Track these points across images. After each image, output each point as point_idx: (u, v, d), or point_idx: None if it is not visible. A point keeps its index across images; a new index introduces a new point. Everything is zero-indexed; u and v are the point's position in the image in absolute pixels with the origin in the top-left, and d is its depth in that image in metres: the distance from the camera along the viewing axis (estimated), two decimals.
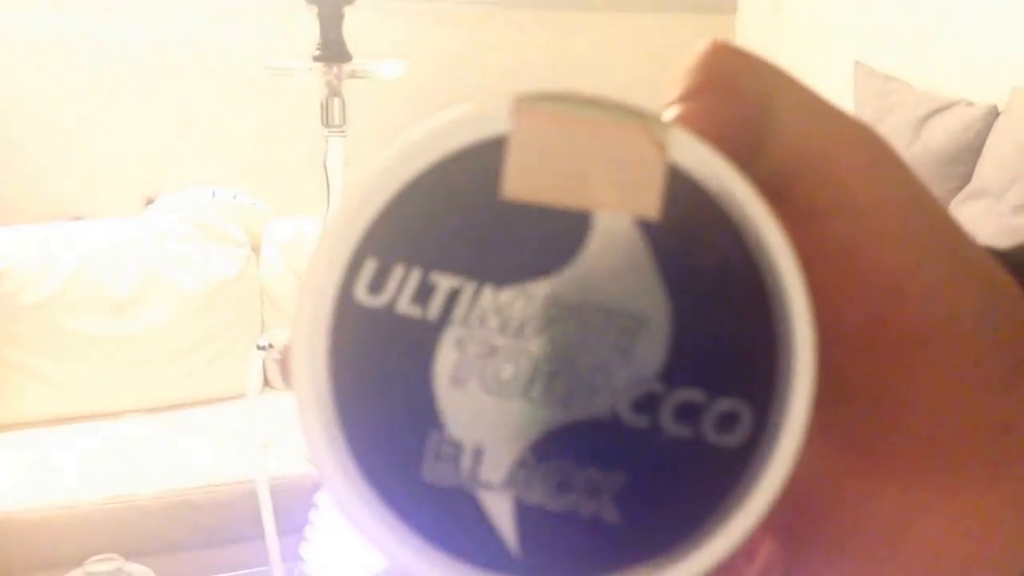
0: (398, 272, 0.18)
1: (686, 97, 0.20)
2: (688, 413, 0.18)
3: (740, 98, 0.20)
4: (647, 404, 0.18)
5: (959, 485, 0.20)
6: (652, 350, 0.18)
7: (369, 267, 0.18)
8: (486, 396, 0.18)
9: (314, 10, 1.43)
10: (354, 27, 1.43)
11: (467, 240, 0.18)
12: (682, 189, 0.18)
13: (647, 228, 0.18)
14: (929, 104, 2.21)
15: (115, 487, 1.90)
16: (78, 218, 2.36)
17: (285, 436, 1.94)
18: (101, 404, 2.16)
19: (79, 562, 1.32)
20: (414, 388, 0.18)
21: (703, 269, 0.18)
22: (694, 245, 0.18)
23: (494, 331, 0.18)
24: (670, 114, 0.19)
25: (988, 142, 2.08)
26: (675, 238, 0.18)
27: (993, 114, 2.12)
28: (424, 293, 0.18)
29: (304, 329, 0.18)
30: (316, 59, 1.42)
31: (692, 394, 0.18)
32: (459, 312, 0.18)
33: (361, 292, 0.18)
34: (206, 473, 1.95)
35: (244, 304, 2.32)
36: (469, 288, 0.18)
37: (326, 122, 1.38)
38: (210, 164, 2.52)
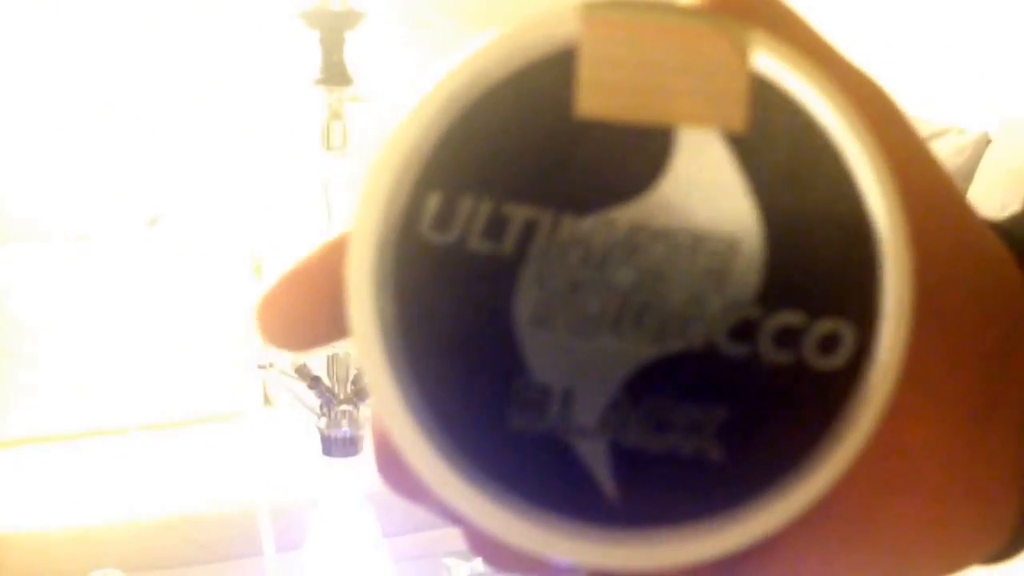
0: (466, 205, 0.17)
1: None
2: (788, 337, 0.17)
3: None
4: (744, 331, 0.17)
5: (935, 464, 0.20)
6: (747, 273, 0.17)
7: (433, 201, 0.17)
8: (572, 335, 0.17)
9: (315, 34, 1.44)
10: (356, 50, 1.44)
11: (540, 166, 0.17)
12: (769, 98, 0.17)
13: (734, 142, 0.16)
14: (921, 130, 2.22)
15: (116, 504, 1.91)
16: (81, 238, 2.36)
17: (283, 455, 1.94)
18: (102, 422, 2.16)
19: None
20: (493, 331, 0.17)
21: (795, 183, 0.17)
22: (784, 158, 0.17)
23: (576, 264, 0.17)
24: None
25: (980, 169, 2.09)
26: (764, 152, 0.17)
27: (984, 141, 2.12)
28: (497, 227, 0.16)
29: (363, 274, 0.17)
30: (317, 83, 1.43)
31: (791, 317, 0.17)
32: (537, 245, 0.17)
33: (426, 229, 0.17)
34: (206, 490, 1.95)
35: (245, 322, 2.32)
36: (546, 218, 0.17)
37: (327, 145, 1.40)
38: (211, 185, 2.53)
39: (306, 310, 0.19)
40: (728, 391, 0.17)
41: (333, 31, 1.47)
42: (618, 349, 0.17)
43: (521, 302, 0.17)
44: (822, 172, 0.17)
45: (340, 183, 1.42)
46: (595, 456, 0.17)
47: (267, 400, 2.28)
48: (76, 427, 2.14)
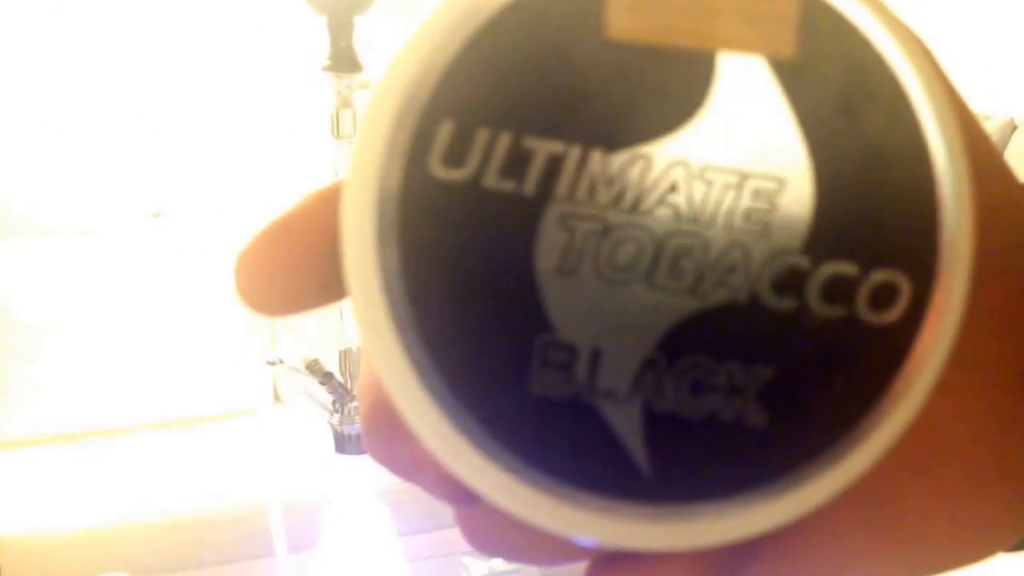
0: (482, 137, 0.15)
1: None
2: (839, 289, 0.15)
3: None
4: (791, 282, 0.15)
5: (967, 440, 0.18)
6: (794, 217, 0.15)
7: (444, 132, 0.15)
8: (601, 286, 0.15)
9: (323, 20, 1.42)
10: (366, 37, 1.42)
11: (566, 94, 0.15)
12: (820, 20, 0.15)
13: (781, 69, 0.15)
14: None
15: (124, 505, 1.89)
16: (84, 232, 2.35)
17: (295, 453, 1.93)
18: (108, 420, 2.15)
19: None
20: (512, 281, 0.15)
21: (849, 115, 0.15)
22: (837, 88, 0.15)
23: (606, 205, 0.15)
24: None
25: (1006, 155, 2.08)
26: (814, 80, 0.15)
27: (1011, 127, 2.11)
28: (517, 162, 0.15)
29: (362, 217, 0.15)
30: (325, 69, 1.41)
31: (843, 267, 0.15)
32: (562, 184, 0.15)
33: (436, 164, 0.15)
34: (216, 490, 1.94)
35: (253, 317, 2.30)
36: (573, 153, 0.15)
37: (336, 134, 1.37)
38: (217, 176, 2.51)
39: (291, 267, 0.18)
40: (773, 349, 0.15)
41: (341, 16, 1.45)
42: (652, 302, 0.15)
43: (544, 249, 0.15)
44: (878, 103, 0.15)
45: None
46: (626, 423, 0.15)
47: (277, 397, 2.26)
48: (81, 426, 2.13)
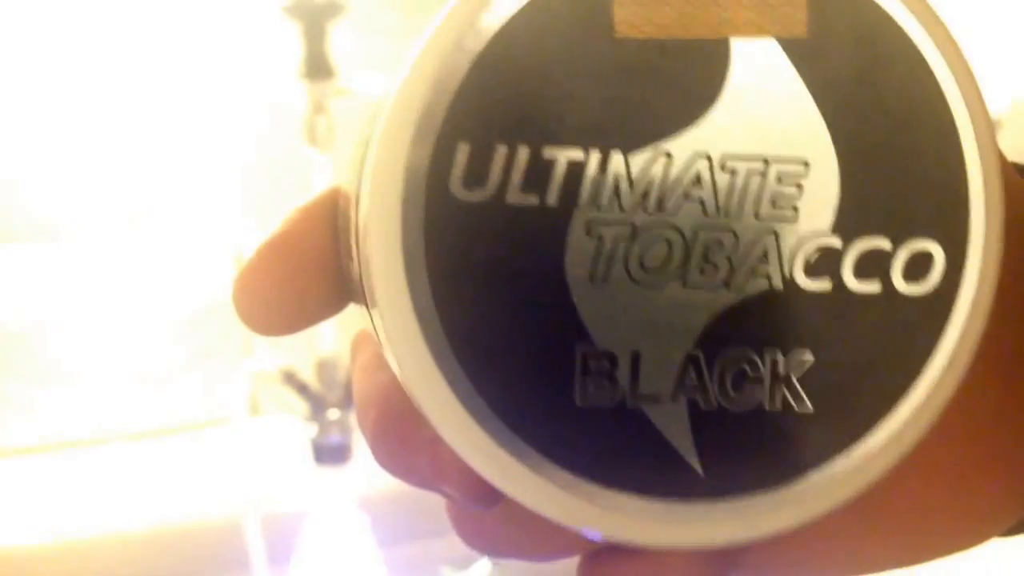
0: (500, 154, 0.15)
1: None
2: (873, 265, 0.15)
3: None
4: (824, 263, 0.15)
5: (960, 425, 0.18)
6: (822, 197, 0.15)
7: (462, 154, 0.15)
8: (634, 289, 0.15)
9: (297, 26, 1.42)
10: (340, 43, 1.41)
11: (580, 98, 0.15)
12: None
13: (796, 49, 0.15)
14: None
15: (98, 517, 1.87)
16: (56, 239, 2.33)
17: (272, 463, 1.92)
18: (83, 431, 2.13)
19: None
20: (545, 296, 0.15)
21: (868, 88, 0.15)
22: (854, 61, 0.15)
23: (632, 207, 0.15)
24: None
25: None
26: (830, 55, 0.15)
27: (995, 125, 2.12)
28: (538, 175, 0.15)
29: (388, 246, 0.15)
30: (300, 76, 1.40)
31: (875, 242, 0.15)
32: (585, 191, 0.15)
33: (456, 186, 0.15)
34: (192, 502, 1.92)
35: (229, 327, 2.29)
36: (593, 159, 0.15)
37: (311, 141, 1.37)
38: (190, 183, 2.49)
39: (289, 286, 0.18)
40: (812, 332, 0.15)
41: (315, 23, 1.44)
42: (687, 300, 0.15)
43: (573, 259, 0.15)
44: (896, 68, 0.15)
45: (326, 179, 1.39)
46: (674, 425, 0.15)
47: (253, 407, 2.25)
48: (54, 438, 2.11)
